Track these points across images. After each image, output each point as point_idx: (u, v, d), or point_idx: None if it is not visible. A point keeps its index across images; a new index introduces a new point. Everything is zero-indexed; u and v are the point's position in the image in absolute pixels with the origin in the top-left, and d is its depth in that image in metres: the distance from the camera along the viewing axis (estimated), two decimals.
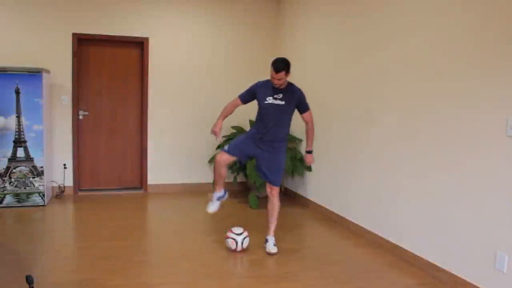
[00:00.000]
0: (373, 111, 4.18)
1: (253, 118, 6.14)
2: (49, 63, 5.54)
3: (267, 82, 3.80)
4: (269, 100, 3.73)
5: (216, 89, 6.26)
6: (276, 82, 3.64)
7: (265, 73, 6.42)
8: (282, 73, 3.58)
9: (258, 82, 3.89)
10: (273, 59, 3.65)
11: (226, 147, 3.86)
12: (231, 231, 3.89)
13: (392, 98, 3.92)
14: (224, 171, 3.87)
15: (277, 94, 3.73)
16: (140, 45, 5.97)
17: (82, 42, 5.75)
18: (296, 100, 3.76)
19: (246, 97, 3.91)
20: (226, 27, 6.25)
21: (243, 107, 6.24)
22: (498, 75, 2.86)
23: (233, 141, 3.97)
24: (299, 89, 3.80)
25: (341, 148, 4.72)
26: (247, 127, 5.99)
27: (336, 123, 4.88)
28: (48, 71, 5.40)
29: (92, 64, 5.86)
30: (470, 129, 3.08)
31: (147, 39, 5.92)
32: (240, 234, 3.85)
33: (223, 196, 4.06)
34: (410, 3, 3.69)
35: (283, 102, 3.72)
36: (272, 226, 3.94)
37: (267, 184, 3.95)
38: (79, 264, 3.48)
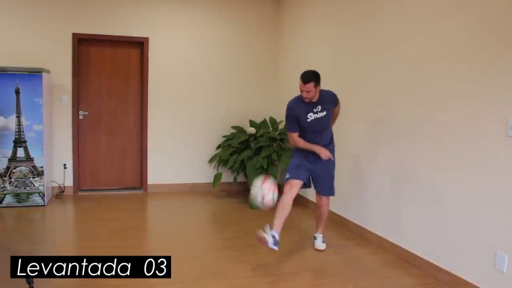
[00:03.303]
0: (375, 111, 4.19)
1: (253, 118, 6.19)
2: (49, 63, 5.54)
3: (298, 101, 3.58)
4: (311, 117, 3.56)
5: (215, 89, 6.26)
6: (304, 94, 3.45)
7: (264, 74, 6.46)
8: (311, 85, 3.39)
9: (289, 104, 3.63)
10: (303, 71, 3.45)
11: (288, 175, 3.63)
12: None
13: (392, 99, 3.92)
14: (290, 204, 3.47)
15: (316, 107, 3.56)
16: (140, 45, 5.97)
17: (82, 42, 5.75)
18: (333, 104, 3.67)
19: (294, 127, 3.63)
20: (226, 27, 6.25)
21: (241, 107, 6.31)
22: (498, 75, 2.86)
23: (288, 167, 3.72)
24: (332, 92, 3.65)
25: (341, 148, 4.71)
26: (247, 127, 5.99)
27: (335, 123, 4.87)
28: (48, 71, 5.40)
29: (92, 64, 5.86)
30: (470, 129, 3.07)
31: (147, 39, 5.92)
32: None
33: (277, 241, 3.32)
34: (410, 4, 3.69)
35: (324, 113, 3.59)
36: (321, 227, 3.94)
37: (316, 194, 3.83)
38: None
